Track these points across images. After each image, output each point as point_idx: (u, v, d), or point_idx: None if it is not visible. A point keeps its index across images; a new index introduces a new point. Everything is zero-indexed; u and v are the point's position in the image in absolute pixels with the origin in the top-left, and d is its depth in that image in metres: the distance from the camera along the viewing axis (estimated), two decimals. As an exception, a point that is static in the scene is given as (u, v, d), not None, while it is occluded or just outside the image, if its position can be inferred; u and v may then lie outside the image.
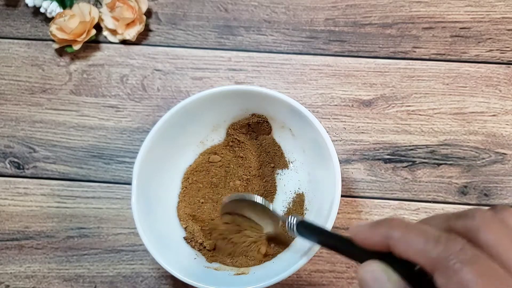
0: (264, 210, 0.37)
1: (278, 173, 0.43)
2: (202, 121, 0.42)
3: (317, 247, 0.34)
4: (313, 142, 0.39)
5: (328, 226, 0.35)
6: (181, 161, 0.43)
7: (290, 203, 0.42)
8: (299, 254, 0.35)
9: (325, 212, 0.36)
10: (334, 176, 0.36)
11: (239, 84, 0.48)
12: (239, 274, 0.38)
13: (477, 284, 0.18)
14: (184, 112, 0.40)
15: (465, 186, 0.44)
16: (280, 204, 0.42)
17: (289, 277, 0.34)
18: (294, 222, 0.32)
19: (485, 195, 0.43)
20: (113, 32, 0.50)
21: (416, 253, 0.20)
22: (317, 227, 0.31)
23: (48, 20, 0.50)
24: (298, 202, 0.41)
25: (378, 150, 0.45)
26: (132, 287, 0.42)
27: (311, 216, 0.39)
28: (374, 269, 0.22)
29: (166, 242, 0.38)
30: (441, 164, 0.44)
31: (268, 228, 0.38)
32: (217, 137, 0.44)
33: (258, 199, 0.37)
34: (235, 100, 0.41)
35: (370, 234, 0.23)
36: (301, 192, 0.41)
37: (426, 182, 0.44)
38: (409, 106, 0.46)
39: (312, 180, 0.41)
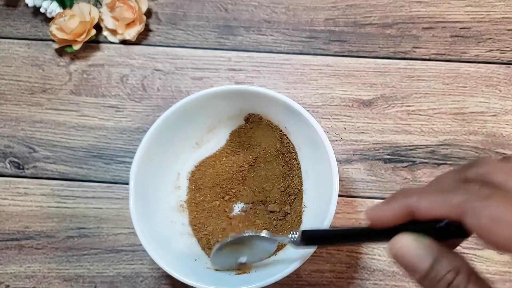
0: (258, 240, 0.35)
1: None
2: (197, 122, 0.42)
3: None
4: (309, 139, 0.39)
5: (326, 224, 0.34)
6: (178, 162, 0.43)
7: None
8: (299, 252, 0.35)
9: (323, 210, 0.36)
10: (331, 172, 0.36)
11: (239, 84, 0.48)
12: (240, 273, 0.38)
13: (506, 211, 0.19)
14: (181, 112, 0.39)
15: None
16: (278, 200, 0.42)
17: (289, 276, 0.34)
18: (297, 236, 0.30)
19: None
20: (113, 32, 0.50)
21: (438, 207, 0.21)
22: (324, 231, 0.30)
23: (48, 20, 0.50)
24: (297, 200, 0.41)
25: (378, 150, 0.45)
26: (132, 287, 0.42)
27: (310, 213, 0.39)
28: (405, 241, 0.22)
29: (165, 243, 0.38)
30: (441, 164, 0.44)
31: (266, 255, 0.37)
32: (213, 138, 0.44)
33: (248, 232, 0.34)
34: (229, 100, 0.41)
35: (388, 211, 0.23)
36: (299, 189, 0.42)
37: (426, 182, 0.44)
38: (409, 106, 0.46)
39: (310, 178, 0.41)
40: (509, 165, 0.22)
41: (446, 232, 0.22)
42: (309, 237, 0.30)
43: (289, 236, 0.31)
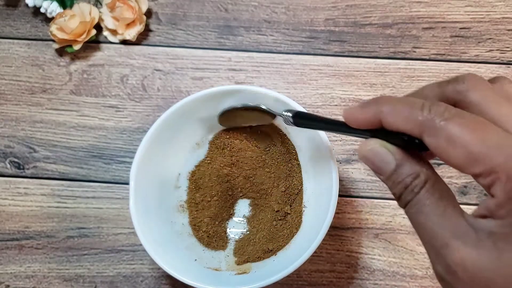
0: (258, 111, 0.39)
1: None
2: (197, 122, 0.42)
3: (316, 244, 0.34)
4: (309, 139, 0.39)
5: (327, 223, 0.35)
6: (178, 162, 0.43)
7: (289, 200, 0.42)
8: (299, 251, 0.35)
9: (323, 210, 0.36)
10: (331, 172, 0.36)
11: (239, 84, 0.48)
12: (240, 273, 0.38)
13: (462, 134, 0.19)
14: (181, 112, 0.39)
15: (465, 186, 0.44)
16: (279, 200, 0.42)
17: (289, 276, 0.34)
18: (291, 115, 0.34)
19: (485, 195, 0.43)
20: (113, 32, 0.50)
21: (403, 121, 0.22)
22: (312, 116, 0.34)
23: (48, 20, 0.50)
24: (297, 200, 0.41)
25: (378, 150, 0.45)
26: (132, 287, 0.42)
27: (310, 213, 0.39)
28: (372, 145, 0.24)
29: (165, 243, 0.38)
30: (441, 164, 0.44)
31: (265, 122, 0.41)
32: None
33: (250, 103, 0.39)
34: (229, 100, 0.41)
35: (362, 113, 0.24)
36: (299, 189, 0.42)
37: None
38: (409, 106, 0.46)
39: (310, 178, 0.41)
40: (492, 85, 0.22)
41: (412, 144, 0.23)
42: (299, 117, 0.34)
43: (284, 112, 0.35)
